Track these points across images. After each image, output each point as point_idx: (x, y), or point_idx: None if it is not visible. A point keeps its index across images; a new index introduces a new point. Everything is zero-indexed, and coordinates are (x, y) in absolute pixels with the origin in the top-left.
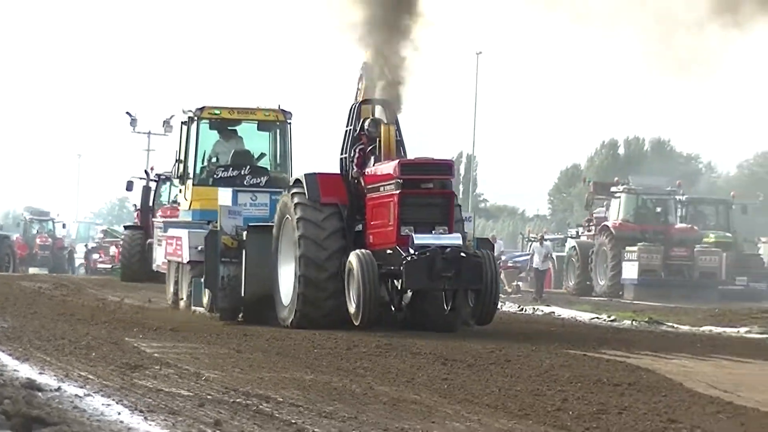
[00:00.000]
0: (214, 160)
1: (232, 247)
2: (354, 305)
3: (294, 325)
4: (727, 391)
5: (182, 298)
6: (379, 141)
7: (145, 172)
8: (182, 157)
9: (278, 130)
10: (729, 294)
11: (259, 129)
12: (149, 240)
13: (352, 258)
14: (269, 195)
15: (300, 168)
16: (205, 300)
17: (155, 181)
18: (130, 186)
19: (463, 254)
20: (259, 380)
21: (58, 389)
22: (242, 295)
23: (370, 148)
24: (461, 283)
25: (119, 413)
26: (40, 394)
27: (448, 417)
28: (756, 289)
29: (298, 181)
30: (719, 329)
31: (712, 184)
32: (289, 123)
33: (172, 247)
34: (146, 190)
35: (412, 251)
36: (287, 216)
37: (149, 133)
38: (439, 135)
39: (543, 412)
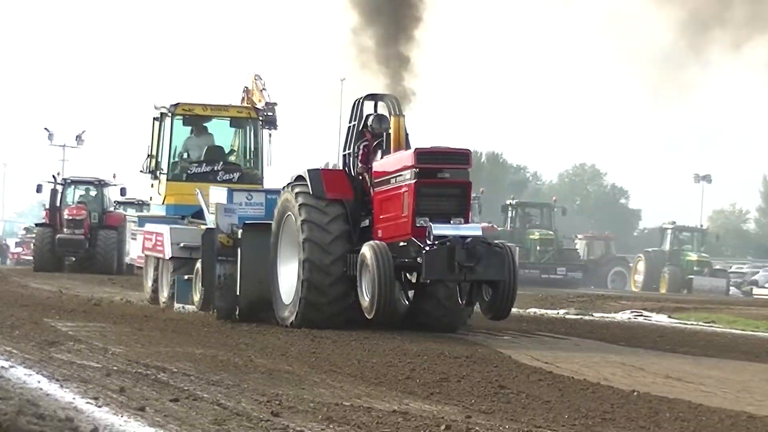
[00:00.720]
0: (185, 155)
1: (227, 246)
2: (368, 298)
3: (295, 325)
4: (547, 362)
5: (163, 295)
6: (388, 134)
7: (53, 176)
8: (154, 152)
9: (250, 127)
10: (550, 282)
11: (231, 125)
12: (58, 235)
13: (366, 250)
14: (264, 194)
15: (283, 165)
16: (197, 298)
17: (62, 184)
18: (39, 189)
19: (485, 244)
20: (157, 354)
21: None
22: (237, 294)
23: (375, 143)
24: (483, 274)
25: (39, 381)
26: None
27: (316, 384)
28: (573, 278)
29: (300, 177)
30: (542, 311)
31: (537, 190)
32: (261, 120)
33: (151, 242)
34: (54, 192)
35: (429, 242)
36: (289, 213)
37: (64, 145)
38: None
39: (395, 380)
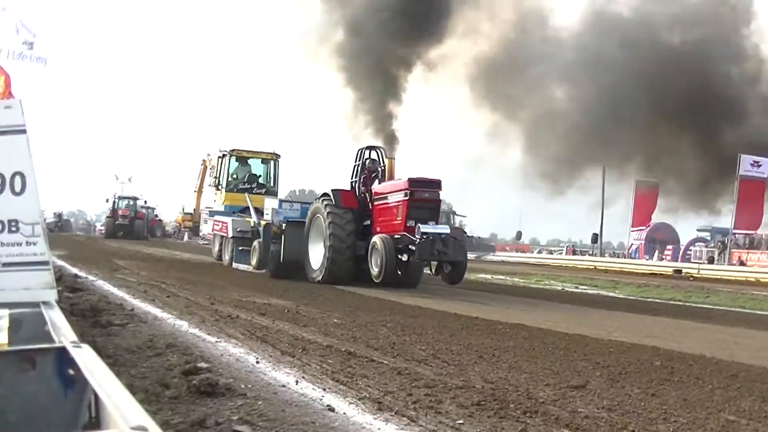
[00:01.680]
0: (235, 177)
1: (277, 234)
2: (377, 269)
3: (323, 280)
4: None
5: (225, 258)
6: (382, 170)
7: (114, 195)
8: (217, 175)
9: (272, 164)
10: None
11: (261, 162)
12: (116, 221)
13: (377, 239)
14: (300, 204)
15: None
16: (254, 262)
17: (116, 199)
18: (107, 200)
19: (452, 238)
20: (165, 277)
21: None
22: (281, 261)
23: (372, 175)
24: (451, 257)
25: (108, 288)
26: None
27: (235, 293)
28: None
29: (325, 194)
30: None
31: None
32: (278, 159)
33: (219, 227)
34: (114, 203)
35: (418, 236)
36: (318, 215)
37: (122, 182)
38: None
39: (277, 294)
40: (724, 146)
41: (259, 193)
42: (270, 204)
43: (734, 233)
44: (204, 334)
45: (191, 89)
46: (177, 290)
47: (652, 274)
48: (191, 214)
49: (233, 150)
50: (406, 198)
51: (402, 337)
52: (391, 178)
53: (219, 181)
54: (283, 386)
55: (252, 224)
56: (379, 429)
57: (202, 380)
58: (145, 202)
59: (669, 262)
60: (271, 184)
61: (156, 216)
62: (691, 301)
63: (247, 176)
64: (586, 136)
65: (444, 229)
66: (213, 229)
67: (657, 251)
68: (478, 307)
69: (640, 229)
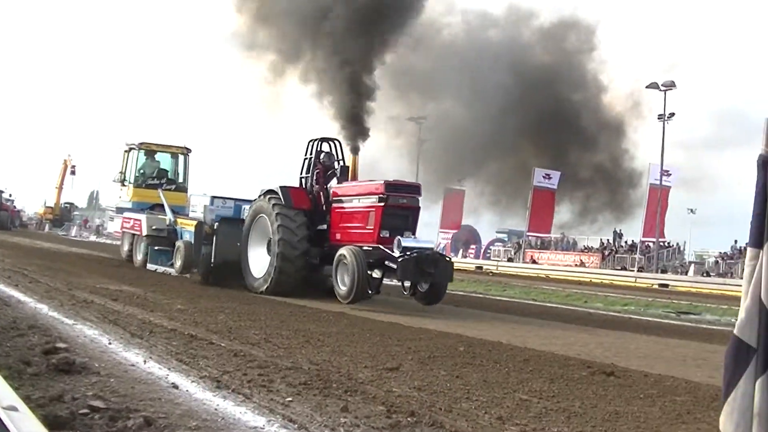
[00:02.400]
0: (143, 172)
1: (209, 233)
2: (345, 287)
3: (268, 291)
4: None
5: (138, 258)
6: (344, 167)
7: None
8: (123, 170)
9: (183, 158)
10: None
11: (171, 157)
12: None
13: (345, 252)
14: (234, 201)
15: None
16: (178, 264)
17: None
18: None
19: (440, 256)
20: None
21: None
22: (211, 264)
23: (329, 172)
24: (438, 278)
25: None
26: None
27: (101, 282)
28: None
29: (270, 191)
30: None
31: None
32: (189, 154)
33: (130, 224)
34: None
35: (398, 251)
36: (262, 215)
37: None
38: None
39: (147, 285)
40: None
41: (169, 189)
42: (198, 201)
43: (528, 235)
44: (62, 317)
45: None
46: (38, 276)
47: (457, 270)
48: (52, 207)
49: (141, 143)
50: (381, 204)
51: (238, 322)
52: (355, 176)
53: (125, 176)
54: (133, 365)
55: (168, 222)
56: (217, 405)
57: (60, 359)
58: (10, 195)
59: (472, 259)
60: (181, 180)
61: (14, 207)
62: (490, 294)
63: (156, 171)
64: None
65: (428, 243)
66: (122, 227)
67: (461, 250)
68: (306, 300)
69: (448, 231)
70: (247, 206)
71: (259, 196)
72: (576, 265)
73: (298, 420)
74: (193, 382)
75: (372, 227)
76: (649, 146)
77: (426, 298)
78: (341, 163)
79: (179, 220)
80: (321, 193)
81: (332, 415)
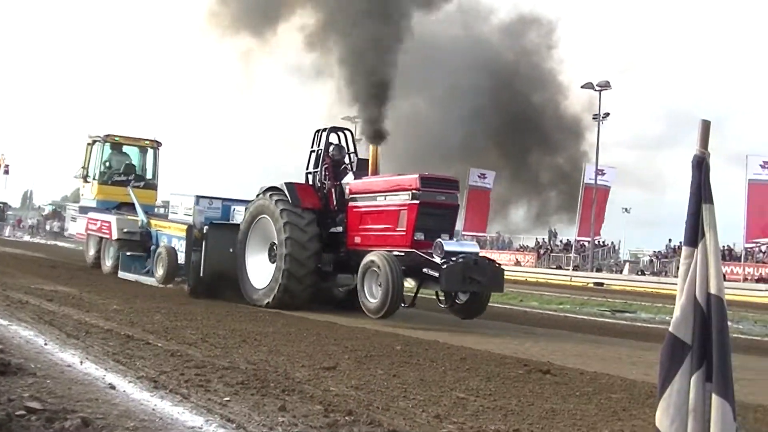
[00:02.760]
0: (108, 167)
1: (198, 239)
2: (376, 300)
3: (271, 306)
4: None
5: (107, 264)
6: (360, 160)
7: None
8: (86, 165)
9: (152, 153)
10: None
11: (139, 151)
12: None
13: (375, 258)
14: (221, 201)
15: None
16: (160, 273)
17: None
18: None
19: (489, 261)
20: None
21: None
22: (200, 275)
23: (342, 167)
24: (488, 287)
25: None
26: None
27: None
28: None
29: (274, 189)
30: None
31: None
32: (159, 148)
33: (96, 226)
34: None
35: (439, 257)
36: (263, 216)
37: None
38: None
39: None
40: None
41: (137, 187)
42: (180, 201)
43: (463, 235)
44: None
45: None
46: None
47: None
48: None
49: (107, 136)
50: (415, 201)
51: (174, 322)
52: (376, 170)
53: (88, 171)
54: (69, 366)
55: (140, 224)
56: (155, 405)
57: None
58: None
59: None
60: (150, 176)
61: None
62: (426, 293)
63: (124, 167)
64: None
65: (473, 247)
66: (87, 229)
67: None
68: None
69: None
70: (238, 207)
71: (259, 195)
72: (512, 264)
73: (236, 419)
74: (130, 382)
75: (404, 229)
76: (609, 147)
77: (466, 310)
78: (354, 156)
79: (154, 222)
80: (333, 190)
81: (270, 414)
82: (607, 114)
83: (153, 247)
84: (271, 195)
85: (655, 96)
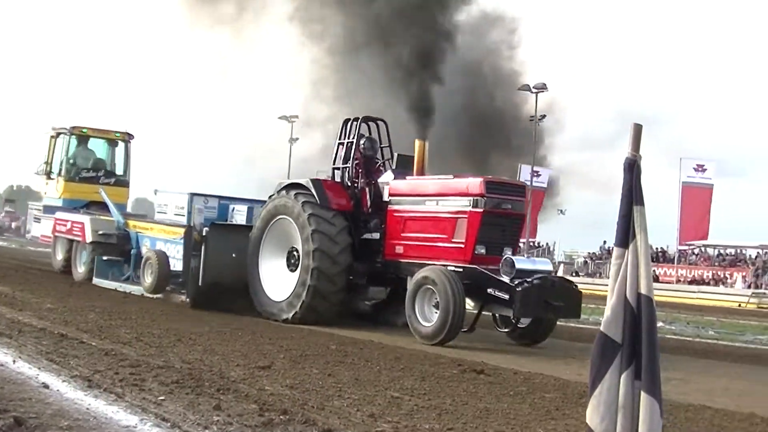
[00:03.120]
0: (74, 163)
1: (197, 242)
2: (434, 324)
3: (296, 319)
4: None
5: (79, 270)
6: (401, 156)
7: None
8: (50, 160)
9: (123, 146)
10: None
11: (108, 145)
12: None
13: (432, 274)
14: (218, 200)
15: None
16: (149, 281)
17: None
18: None
19: (568, 283)
20: None
21: None
22: (199, 284)
23: (377, 165)
24: (566, 313)
25: None
26: None
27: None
28: None
29: (297, 186)
30: None
31: None
32: (131, 141)
33: (66, 227)
34: None
35: (507, 275)
36: (282, 217)
37: None
38: None
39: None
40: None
41: (107, 183)
42: (169, 199)
43: None
44: None
45: None
46: None
47: None
48: None
49: (73, 128)
50: (478, 209)
51: (109, 321)
52: (422, 170)
53: (51, 167)
54: (2, 365)
55: (116, 225)
56: (89, 404)
57: None
58: None
59: None
60: (121, 173)
61: None
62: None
63: (92, 162)
64: None
65: (545, 264)
66: (55, 231)
67: None
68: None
69: None
70: (238, 206)
71: (278, 192)
72: None
73: (170, 419)
74: (63, 381)
75: (462, 240)
76: (566, 150)
77: (529, 336)
78: (389, 151)
79: (133, 223)
80: (366, 189)
81: (205, 413)
82: (543, 116)
83: (133, 251)
84: (296, 195)
85: (607, 97)
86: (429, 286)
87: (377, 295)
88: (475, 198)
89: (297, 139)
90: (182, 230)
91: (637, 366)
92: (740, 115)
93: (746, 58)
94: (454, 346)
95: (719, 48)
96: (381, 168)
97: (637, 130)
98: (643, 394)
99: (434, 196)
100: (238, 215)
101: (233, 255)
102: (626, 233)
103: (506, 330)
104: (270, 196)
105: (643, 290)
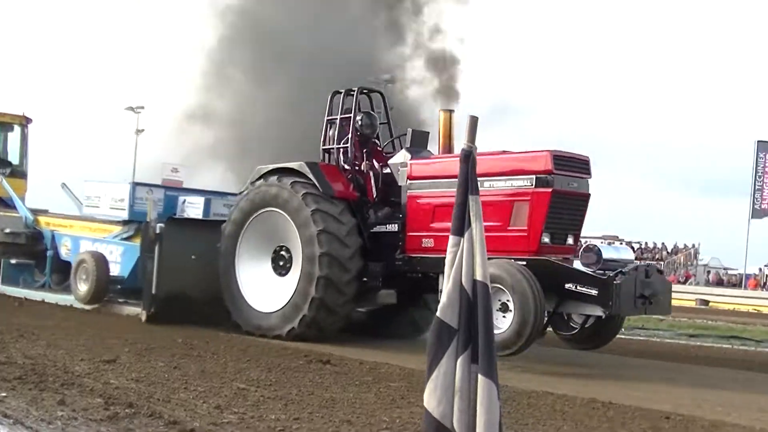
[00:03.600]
0: None
1: (152, 240)
2: (507, 331)
3: (293, 335)
4: None
5: None
6: (416, 131)
7: None
8: None
9: (19, 132)
10: None
11: (1, 129)
12: None
13: (499, 270)
14: (164, 190)
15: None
16: (83, 288)
17: None
18: None
19: (659, 274)
20: None
21: None
22: (153, 292)
23: (382, 149)
24: (656, 309)
25: None
26: None
27: None
28: None
29: (289, 171)
30: None
31: None
32: (28, 126)
33: None
34: None
35: (591, 266)
36: (270, 209)
37: None
38: None
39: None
40: None
41: (2, 174)
42: (107, 190)
43: None
44: None
45: None
46: None
47: None
48: None
49: None
50: (545, 189)
51: None
52: (449, 147)
53: None
54: None
55: (25, 222)
56: None
57: None
58: None
59: None
60: (17, 162)
61: None
62: None
63: None
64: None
65: (627, 252)
66: None
67: None
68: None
69: None
70: (190, 198)
71: (260, 179)
72: None
73: (13, 415)
74: None
75: (524, 227)
76: None
77: (591, 339)
78: (389, 129)
79: (45, 220)
80: (371, 173)
81: (49, 408)
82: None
83: (49, 253)
84: (293, 183)
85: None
86: (496, 285)
87: (386, 299)
88: (541, 176)
89: (143, 130)
90: (115, 227)
91: (474, 350)
92: None
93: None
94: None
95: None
96: (379, 148)
97: (473, 122)
98: (480, 377)
99: (479, 176)
100: (191, 209)
101: (192, 256)
102: (462, 222)
103: (570, 333)
104: (252, 182)
105: (478, 276)
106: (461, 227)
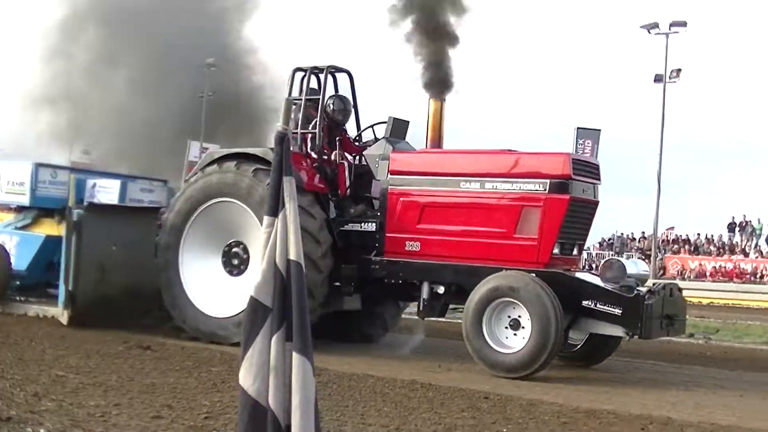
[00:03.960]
0: None
1: (69, 230)
2: (522, 350)
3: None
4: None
5: None
6: (397, 121)
7: None
8: None
9: None
10: None
11: None
12: None
13: (511, 282)
14: (69, 172)
15: None
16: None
17: None
18: None
19: (679, 293)
20: None
21: None
22: (70, 289)
23: (344, 131)
24: (675, 329)
25: None
26: None
27: None
28: None
29: (249, 157)
30: None
31: None
32: None
33: None
34: None
35: (611, 283)
36: (228, 199)
37: None
38: None
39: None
40: None
41: None
42: (7, 172)
43: None
44: None
45: None
46: None
47: None
48: None
49: None
50: (563, 195)
51: None
52: (439, 139)
53: None
54: None
55: None
56: None
57: None
58: None
59: None
60: None
61: None
62: None
63: None
64: None
65: (644, 267)
66: None
67: None
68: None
69: None
70: (102, 182)
71: (212, 164)
72: None
73: None
74: None
75: (534, 236)
76: None
77: (587, 356)
78: (356, 114)
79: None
80: (345, 165)
81: None
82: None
83: None
84: (256, 171)
85: None
86: (508, 299)
87: (351, 305)
88: (557, 180)
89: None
90: (7, 215)
91: (288, 329)
92: None
93: None
94: (118, 326)
95: None
96: (348, 136)
97: (288, 106)
98: (295, 355)
99: (479, 176)
100: (104, 194)
101: (113, 247)
102: (276, 203)
103: (568, 351)
104: (202, 169)
105: (292, 256)
106: (276, 208)
